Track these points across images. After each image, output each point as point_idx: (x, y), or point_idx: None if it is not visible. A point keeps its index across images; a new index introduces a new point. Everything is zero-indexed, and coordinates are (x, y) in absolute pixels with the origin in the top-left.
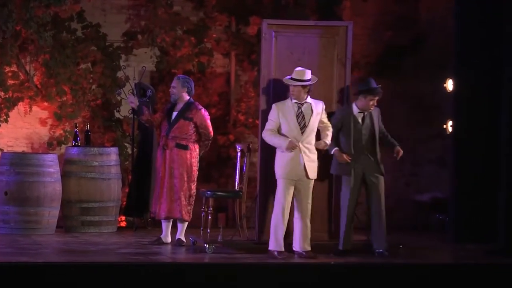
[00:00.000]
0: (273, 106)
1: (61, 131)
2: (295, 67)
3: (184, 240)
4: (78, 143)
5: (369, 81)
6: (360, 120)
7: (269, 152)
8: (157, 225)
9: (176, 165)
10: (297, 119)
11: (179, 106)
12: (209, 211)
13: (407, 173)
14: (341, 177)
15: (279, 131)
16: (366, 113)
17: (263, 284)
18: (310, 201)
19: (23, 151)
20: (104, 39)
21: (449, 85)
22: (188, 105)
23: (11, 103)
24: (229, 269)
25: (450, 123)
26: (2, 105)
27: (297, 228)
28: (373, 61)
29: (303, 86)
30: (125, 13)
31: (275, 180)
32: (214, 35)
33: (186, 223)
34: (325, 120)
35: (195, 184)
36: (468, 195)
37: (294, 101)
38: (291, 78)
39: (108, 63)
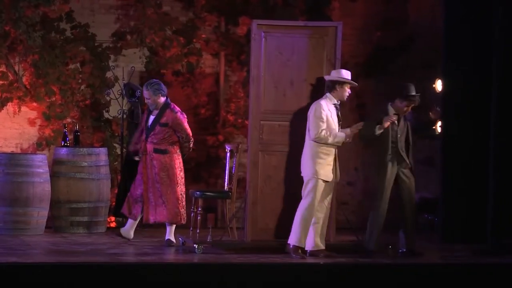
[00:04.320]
0: (322, 104)
1: (50, 132)
2: (285, 68)
3: (174, 240)
4: (67, 143)
5: (410, 87)
6: (396, 122)
7: (258, 153)
8: (146, 226)
9: (157, 170)
10: (339, 121)
11: (156, 111)
12: (198, 212)
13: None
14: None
15: None
16: (401, 116)
17: (253, 285)
18: (329, 201)
19: (12, 151)
20: (93, 39)
21: (438, 85)
22: (163, 109)
23: (0, 104)
24: (218, 269)
25: (439, 123)
26: None
27: (313, 228)
28: (362, 62)
29: (349, 87)
30: (114, 13)
31: (264, 180)
32: (203, 35)
33: (174, 225)
34: None
35: (181, 186)
36: (457, 195)
37: (334, 101)
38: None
39: (97, 63)
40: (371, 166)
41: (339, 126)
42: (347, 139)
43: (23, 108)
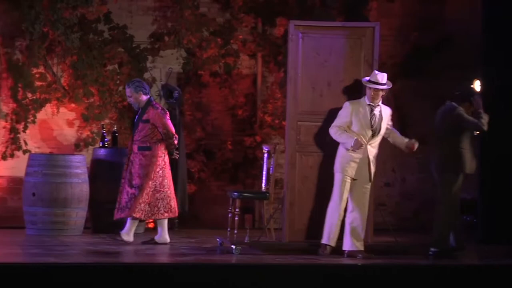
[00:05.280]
0: (347, 103)
1: (89, 132)
2: (322, 68)
3: (127, 238)
4: (105, 144)
5: (471, 89)
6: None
7: (295, 153)
8: (185, 226)
9: (136, 166)
10: (371, 121)
11: (140, 109)
12: (235, 212)
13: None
14: (445, 176)
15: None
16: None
17: (290, 286)
18: (366, 202)
19: (50, 152)
20: (131, 41)
21: (476, 85)
22: (146, 107)
23: (39, 105)
24: (256, 270)
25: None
26: (30, 107)
27: (348, 228)
28: (400, 62)
29: (382, 90)
30: (152, 15)
31: (302, 181)
32: (241, 36)
33: (133, 220)
34: (390, 127)
35: (155, 182)
36: (495, 196)
37: (368, 102)
38: (370, 81)
39: (134, 64)
40: (448, 160)
41: (371, 127)
42: (350, 148)
43: (62, 109)
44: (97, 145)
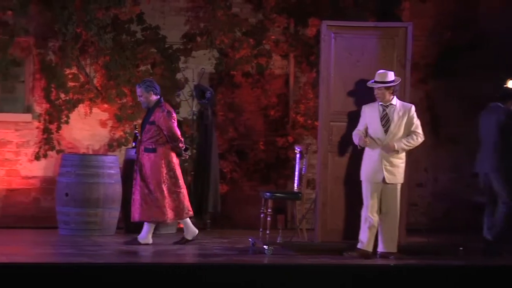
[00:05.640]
0: (363, 107)
1: (121, 133)
2: (354, 69)
3: (146, 241)
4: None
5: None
6: None
7: (328, 154)
8: (217, 226)
9: (143, 169)
10: (381, 121)
11: (149, 110)
12: (268, 213)
13: (467, 174)
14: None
15: (367, 132)
16: None
17: (323, 286)
18: (394, 203)
19: (83, 152)
20: (163, 41)
21: (510, 85)
22: (154, 108)
23: (72, 105)
24: (289, 270)
25: None
26: (63, 107)
27: (380, 230)
28: (433, 62)
29: (387, 88)
30: (184, 15)
31: (334, 182)
32: (273, 37)
33: (149, 224)
34: (414, 127)
35: (168, 185)
36: None
37: (380, 103)
38: (375, 81)
39: (167, 65)
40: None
41: (382, 126)
42: (359, 145)
43: (95, 110)
44: (129, 145)
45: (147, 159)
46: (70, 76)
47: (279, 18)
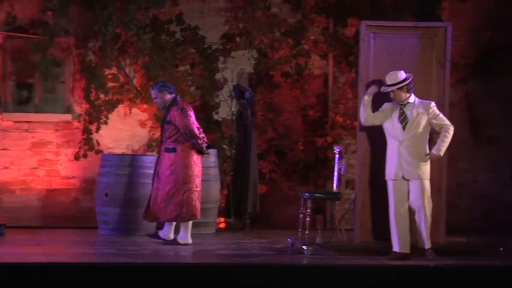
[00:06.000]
0: (384, 104)
1: None
2: (393, 69)
3: (170, 238)
4: None
5: None
6: None
7: (367, 154)
8: (256, 226)
9: (163, 169)
10: (399, 119)
11: (166, 110)
12: (307, 213)
13: (506, 175)
14: None
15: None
16: None
17: (361, 286)
18: (418, 201)
19: (123, 153)
20: (202, 42)
21: None
22: (170, 107)
23: (111, 105)
24: (328, 271)
25: None
26: (103, 107)
27: (411, 227)
28: (472, 63)
29: (400, 88)
30: (223, 16)
31: (373, 182)
32: (312, 37)
33: (184, 224)
34: (439, 121)
35: (190, 185)
36: None
37: (398, 102)
38: (387, 85)
39: (206, 65)
40: None
41: (400, 123)
42: (367, 95)
43: (134, 110)
44: None
45: (167, 159)
46: (109, 77)
47: (318, 18)
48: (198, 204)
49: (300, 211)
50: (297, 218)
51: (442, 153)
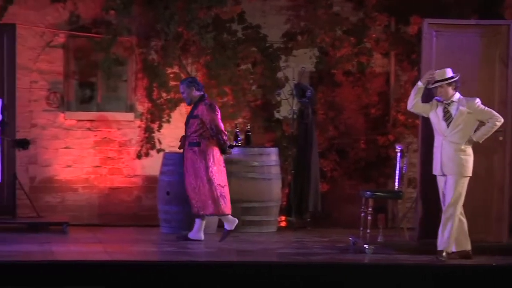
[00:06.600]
0: (433, 99)
1: None
2: (455, 67)
3: (198, 237)
4: (239, 143)
5: None
6: None
7: (429, 152)
8: (318, 225)
9: (189, 163)
10: (444, 117)
11: (193, 105)
12: (368, 212)
13: None
14: None
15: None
16: None
17: (423, 285)
18: (449, 197)
19: None
20: (264, 40)
21: None
22: (197, 103)
23: (173, 104)
24: (390, 270)
25: None
26: (165, 106)
27: (440, 226)
28: None
29: (448, 84)
30: (285, 14)
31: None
32: (374, 35)
33: (200, 220)
34: (486, 113)
35: (212, 180)
36: None
37: (444, 100)
38: (435, 82)
39: (268, 64)
40: None
41: (445, 121)
42: (420, 82)
43: None
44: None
45: (191, 153)
46: (171, 75)
47: (380, 16)
48: (212, 202)
49: (362, 209)
50: (359, 217)
51: (480, 141)
